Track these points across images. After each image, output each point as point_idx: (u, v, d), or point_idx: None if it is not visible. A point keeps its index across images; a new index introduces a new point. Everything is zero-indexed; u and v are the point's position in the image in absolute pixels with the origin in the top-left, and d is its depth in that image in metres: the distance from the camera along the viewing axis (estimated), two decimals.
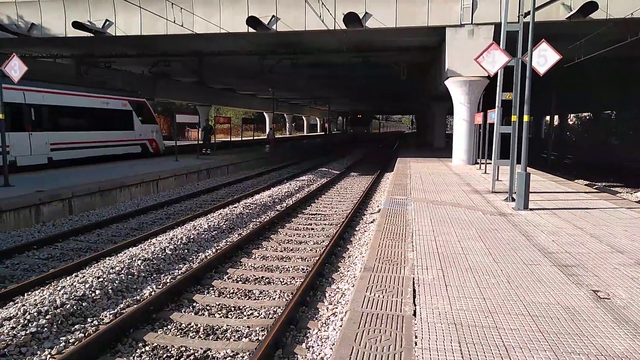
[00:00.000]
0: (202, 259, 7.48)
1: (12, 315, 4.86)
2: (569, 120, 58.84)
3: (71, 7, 17.87)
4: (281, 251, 8.12)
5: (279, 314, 5.34)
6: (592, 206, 9.14)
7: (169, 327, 5.11)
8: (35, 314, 4.90)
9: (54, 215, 10.19)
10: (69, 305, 5.19)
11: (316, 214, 11.33)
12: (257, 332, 4.98)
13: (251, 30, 16.68)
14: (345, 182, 17.43)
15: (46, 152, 15.79)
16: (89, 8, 17.81)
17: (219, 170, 18.57)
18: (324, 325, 5.07)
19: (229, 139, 38.94)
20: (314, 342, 4.70)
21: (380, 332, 3.71)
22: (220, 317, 5.39)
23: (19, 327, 4.65)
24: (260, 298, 6.00)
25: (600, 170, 25.88)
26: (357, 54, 21.26)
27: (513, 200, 9.17)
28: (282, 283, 6.54)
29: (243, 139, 41.19)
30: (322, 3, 15.45)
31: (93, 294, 5.58)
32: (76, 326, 4.98)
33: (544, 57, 8.46)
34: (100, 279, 5.94)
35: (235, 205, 11.29)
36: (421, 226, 7.34)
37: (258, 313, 5.48)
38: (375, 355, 3.36)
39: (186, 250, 7.70)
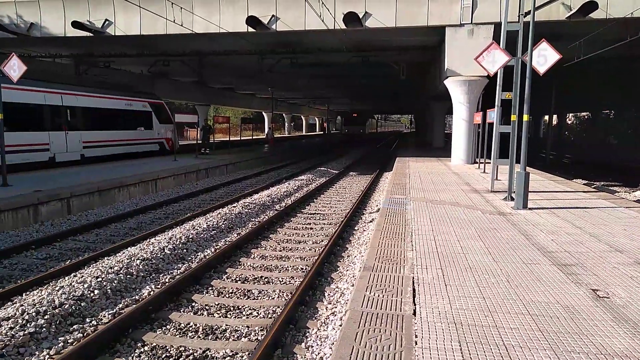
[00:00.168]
0: (201, 259, 7.47)
1: (10, 315, 4.85)
2: (567, 119, 58.85)
3: (71, 6, 17.84)
4: (280, 251, 8.11)
5: (278, 313, 5.33)
6: (590, 205, 9.14)
7: (168, 327, 5.10)
8: (33, 314, 4.88)
9: (53, 215, 10.17)
10: (67, 306, 5.18)
11: (315, 213, 11.32)
12: (257, 331, 4.96)
13: (251, 29, 16.66)
14: (344, 182, 17.42)
15: (79, 150, 17.16)
16: (88, 8, 17.78)
17: (217, 170, 18.55)
18: (323, 324, 5.06)
19: (228, 139, 38.94)
20: (313, 341, 4.69)
21: (380, 331, 3.70)
22: (220, 316, 5.38)
23: (17, 328, 4.63)
24: (259, 298, 5.99)
25: (598, 169, 25.90)
26: (357, 54, 21.25)
27: (512, 199, 9.17)
28: (281, 282, 6.53)
29: (242, 138, 41.16)
30: (322, 3, 15.44)
31: (92, 294, 5.57)
32: (75, 326, 4.97)
33: (544, 57, 8.45)
34: (98, 279, 5.93)
35: (234, 205, 11.28)
36: (420, 225, 7.34)
37: (257, 313, 5.47)
38: (376, 354, 3.35)
39: (185, 250, 7.69)
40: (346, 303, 5.39)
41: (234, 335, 4.89)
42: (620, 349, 3.39)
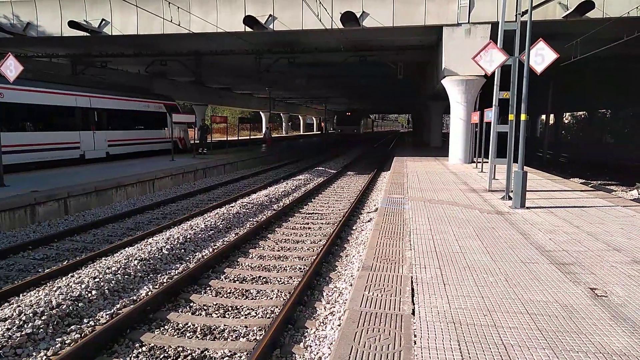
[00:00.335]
0: (199, 259, 7.45)
1: (7, 316, 4.82)
2: (564, 119, 59.00)
3: (67, 6, 17.78)
4: (278, 250, 8.10)
5: (277, 313, 5.32)
6: (588, 204, 9.16)
7: (166, 327, 5.09)
8: (30, 314, 4.86)
9: (50, 215, 10.13)
10: (64, 306, 5.16)
11: (313, 213, 11.31)
12: (255, 331, 4.96)
13: (248, 29, 16.64)
14: (341, 181, 17.42)
15: (105, 148, 18.66)
16: (85, 7, 17.72)
17: (215, 170, 18.52)
18: (322, 324, 5.05)
19: (225, 139, 38.80)
20: (312, 341, 4.68)
21: (379, 331, 3.70)
22: (218, 317, 5.37)
23: (14, 328, 4.61)
24: (257, 298, 5.97)
25: (595, 168, 25.96)
26: (355, 53, 21.25)
27: (510, 198, 9.18)
28: (280, 282, 6.52)
29: (240, 138, 41.09)
30: (320, 2, 15.43)
31: (89, 295, 5.55)
32: (72, 327, 4.95)
33: (542, 56, 8.47)
34: (96, 279, 5.90)
35: (232, 205, 11.26)
36: (418, 225, 7.34)
37: (255, 313, 5.46)
38: (375, 354, 3.34)
39: (183, 250, 7.67)
40: (344, 303, 5.39)
41: (232, 336, 4.88)
42: (618, 347, 3.40)
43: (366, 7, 16.17)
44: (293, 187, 14.86)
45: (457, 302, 4.22)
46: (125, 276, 6.25)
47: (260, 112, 59.46)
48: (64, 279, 6.14)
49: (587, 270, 5.11)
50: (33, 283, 6.08)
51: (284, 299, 5.80)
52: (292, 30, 16.91)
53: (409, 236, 6.64)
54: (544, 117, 49.48)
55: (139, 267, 6.57)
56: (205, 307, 5.61)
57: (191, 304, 5.71)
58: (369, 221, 9.92)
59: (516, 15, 9.45)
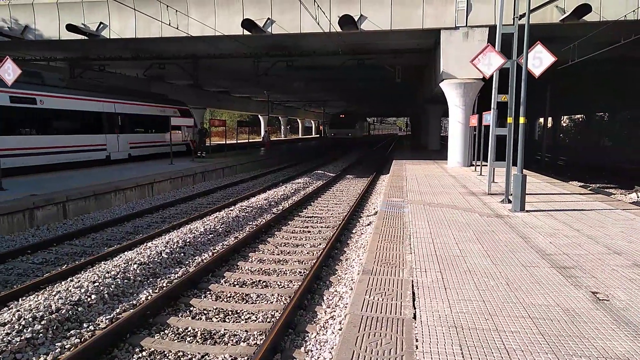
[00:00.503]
0: (198, 263, 7.43)
1: (6, 320, 4.79)
2: (562, 122, 59.18)
3: (65, 9, 17.77)
4: (278, 254, 8.08)
5: (277, 317, 5.30)
6: (587, 207, 9.18)
7: (166, 331, 5.07)
8: (30, 319, 4.83)
9: (48, 220, 10.10)
10: (64, 311, 5.13)
11: (312, 216, 11.30)
12: (255, 336, 4.94)
13: (246, 32, 16.66)
14: (341, 185, 17.42)
15: (127, 150, 20.20)
16: (83, 11, 17.71)
17: (214, 174, 18.51)
18: (323, 328, 5.04)
19: (224, 142, 38.77)
20: (313, 345, 4.66)
21: (380, 335, 3.69)
22: (218, 321, 5.35)
23: (13, 333, 4.58)
24: (257, 302, 5.95)
25: (593, 171, 26.00)
26: (353, 57, 21.26)
27: (509, 202, 9.19)
28: (280, 286, 6.50)
29: (238, 141, 41.10)
30: (318, 5, 15.45)
31: (89, 299, 5.53)
32: (72, 331, 4.92)
33: (539, 59, 8.50)
34: (95, 284, 5.88)
35: (231, 209, 11.24)
36: (418, 228, 7.33)
37: (256, 317, 5.44)
38: (377, 358, 3.33)
39: (182, 254, 7.65)
40: (345, 307, 5.37)
41: (232, 340, 4.86)
42: (621, 351, 3.39)
43: (364, 10, 16.20)
44: (292, 191, 14.85)
45: (458, 306, 4.22)
46: (125, 280, 6.23)
47: (259, 116, 59.50)
48: (63, 283, 6.11)
49: (588, 274, 5.10)
50: (32, 287, 6.06)
51: (284, 303, 5.79)
52: (290, 34, 16.93)
53: (409, 240, 6.63)
54: (542, 120, 49.59)
55: (138, 271, 6.55)
56: (205, 312, 5.59)
57: (191, 308, 5.68)
58: (368, 224, 9.91)
59: (514, 19, 9.49)
